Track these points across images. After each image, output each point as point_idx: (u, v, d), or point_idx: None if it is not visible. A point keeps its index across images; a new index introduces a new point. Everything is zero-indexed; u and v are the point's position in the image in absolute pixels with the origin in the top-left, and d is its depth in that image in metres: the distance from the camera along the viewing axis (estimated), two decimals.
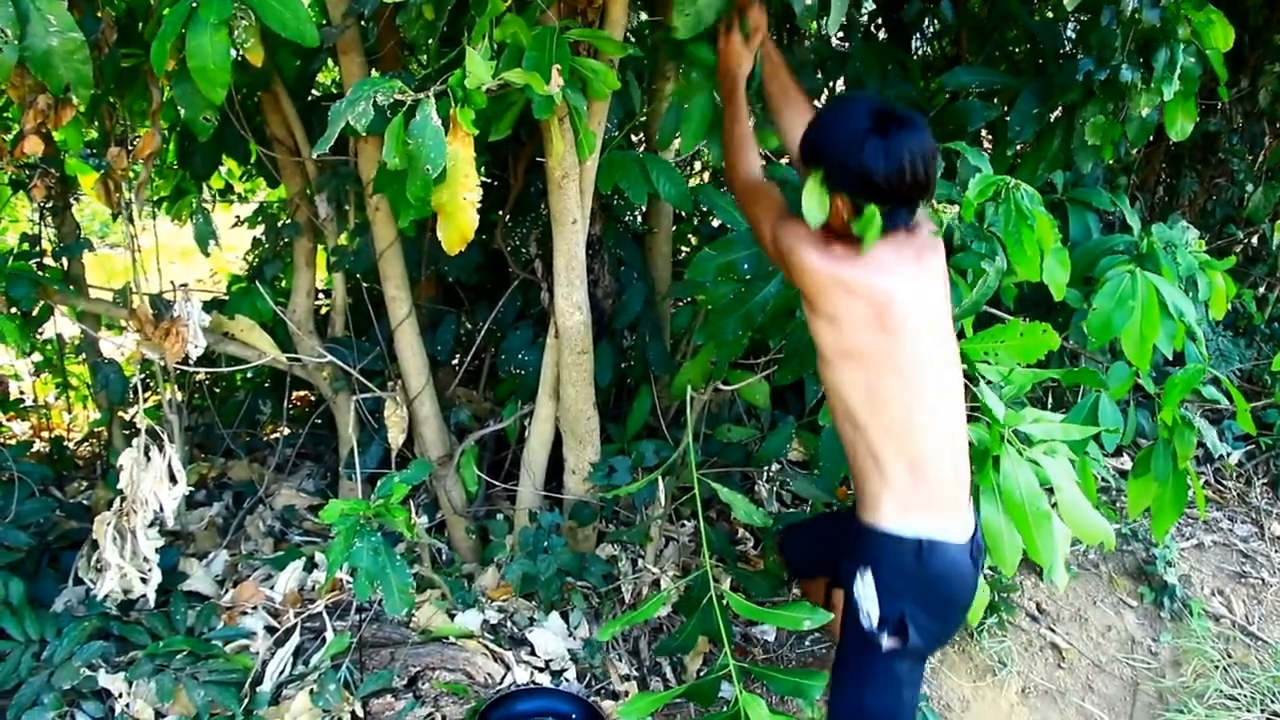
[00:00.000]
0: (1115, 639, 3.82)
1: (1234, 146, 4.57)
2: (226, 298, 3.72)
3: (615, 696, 3.04)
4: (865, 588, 2.09)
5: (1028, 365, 2.45)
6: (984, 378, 2.37)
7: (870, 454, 2.09)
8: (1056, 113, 3.49)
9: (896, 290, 2.07)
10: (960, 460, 2.14)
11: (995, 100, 3.57)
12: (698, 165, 4.55)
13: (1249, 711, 3.48)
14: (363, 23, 3.00)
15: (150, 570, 2.85)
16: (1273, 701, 3.54)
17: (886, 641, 2.09)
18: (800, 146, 2.21)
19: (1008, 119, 3.49)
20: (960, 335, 2.78)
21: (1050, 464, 2.29)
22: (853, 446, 2.14)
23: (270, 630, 3.10)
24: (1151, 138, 4.61)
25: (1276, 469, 4.87)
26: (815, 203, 2.09)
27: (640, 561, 3.44)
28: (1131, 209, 3.56)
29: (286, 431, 4.26)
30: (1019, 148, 3.78)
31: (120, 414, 3.65)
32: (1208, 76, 3.36)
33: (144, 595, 2.87)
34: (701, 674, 3.08)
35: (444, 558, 3.55)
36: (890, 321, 2.06)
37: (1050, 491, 2.34)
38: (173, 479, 2.78)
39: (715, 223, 4.23)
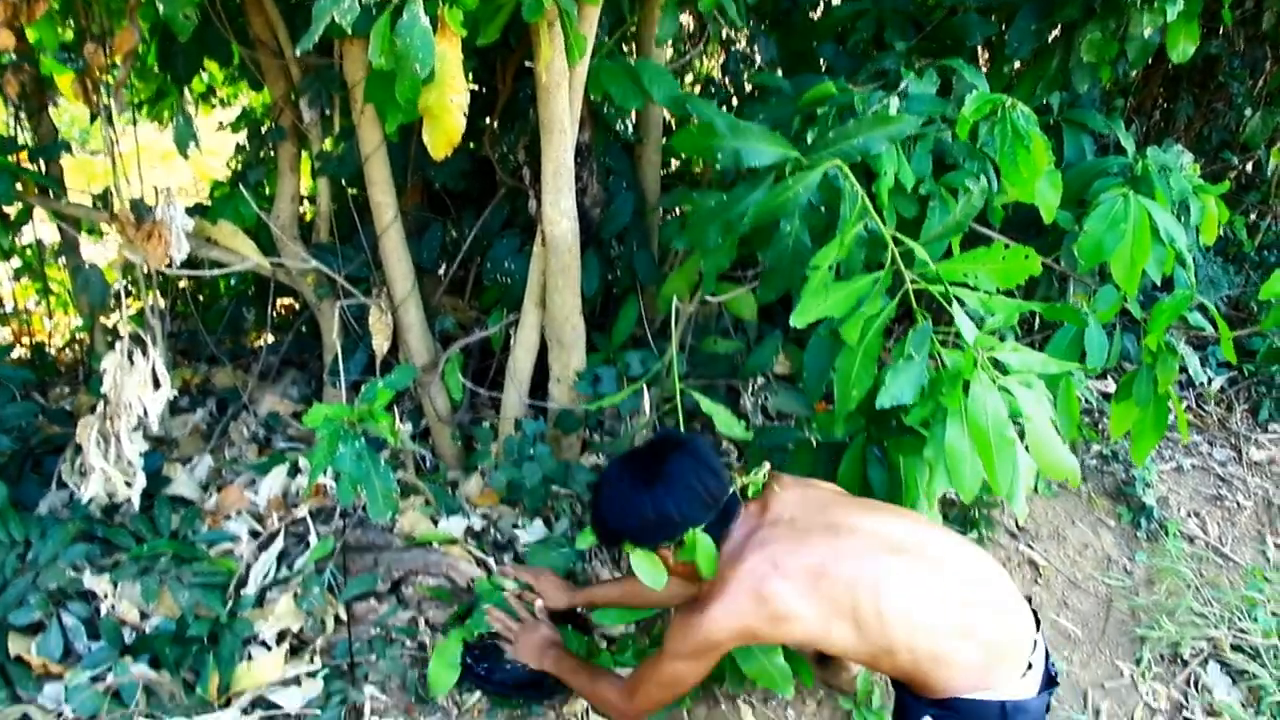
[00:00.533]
0: (1091, 557, 3.88)
1: (1234, 70, 4.51)
2: (209, 203, 3.67)
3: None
4: None
5: (1009, 290, 2.43)
6: (959, 300, 2.35)
7: (918, 661, 2.05)
8: (1056, 32, 3.44)
9: (769, 549, 2.08)
10: (1003, 597, 2.15)
11: (994, 17, 3.51)
12: (689, 77, 4.48)
13: (1217, 629, 3.55)
14: None
15: (134, 474, 2.84)
16: (1240, 619, 3.61)
17: None
18: (598, 539, 2.38)
19: (1005, 36, 3.43)
20: (948, 254, 2.76)
21: (1024, 395, 2.28)
22: (896, 669, 2.10)
23: (254, 535, 3.12)
24: (1150, 60, 4.58)
25: (1257, 395, 4.91)
26: (648, 569, 2.19)
27: None
28: (1127, 132, 3.53)
29: (270, 339, 4.24)
30: (1016, 66, 3.74)
31: (102, 320, 3.63)
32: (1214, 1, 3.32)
33: (128, 499, 2.87)
34: None
35: (428, 465, 3.57)
36: (823, 581, 2.02)
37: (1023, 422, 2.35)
38: (156, 383, 2.77)
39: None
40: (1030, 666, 2.11)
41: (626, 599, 2.78)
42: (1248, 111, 4.63)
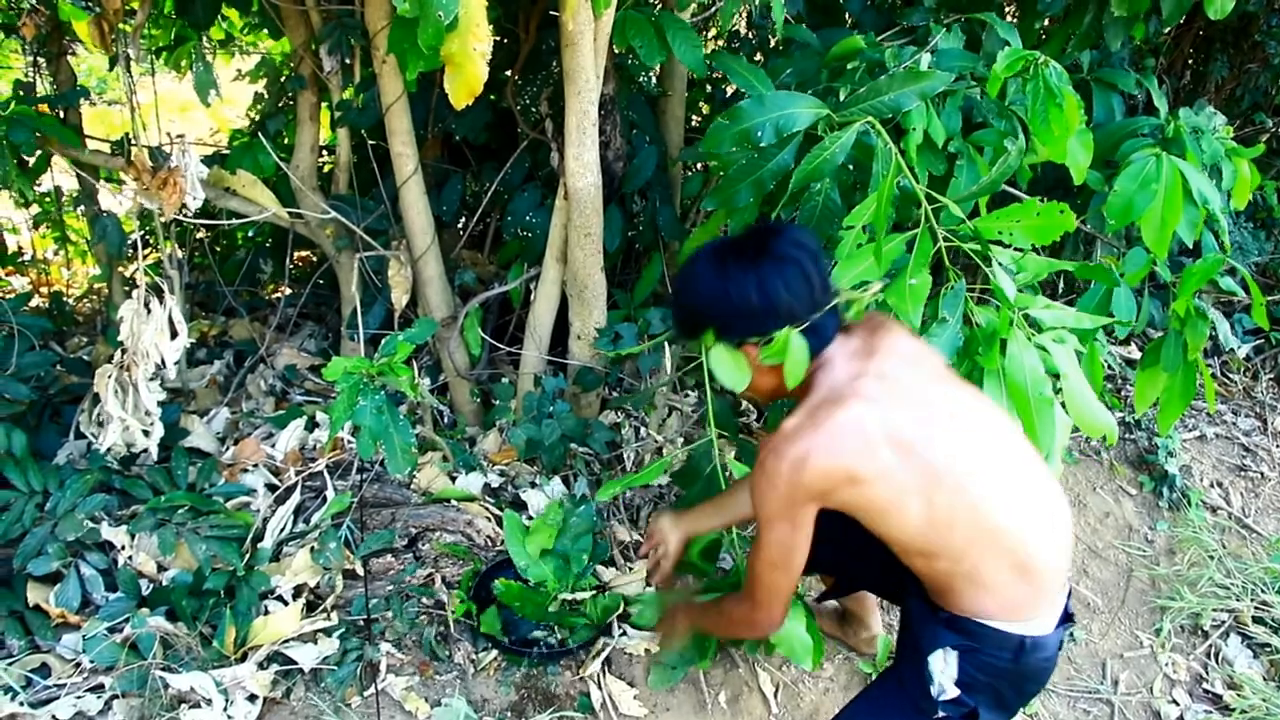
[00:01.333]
0: (1112, 525, 3.84)
1: (1272, 29, 4.41)
2: (228, 153, 3.64)
3: (613, 564, 3.05)
4: (946, 668, 1.91)
5: (1043, 247, 2.39)
6: (997, 259, 2.31)
7: (955, 574, 1.84)
8: None
9: (875, 405, 1.79)
10: (1061, 533, 1.90)
11: None
12: (712, 31, 4.41)
13: (1239, 601, 3.51)
14: None
15: (152, 424, 2.83)
16: (1263, 591, 3.57)
17: (943, 716, 1.95)
18: (677, 327, 2.08)
19: None
20: (974, 213, 2.72)
21: (1058, 351, 2.25)
22: (931, 573, 1.89)
23: (271, 488, 3.11)
24: (1184, 19, 4.49)
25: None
26: (730, 366, 1.92)
27: (643, 430, 3.43)
28: (1159, 91, 3.46)
29: (288, 291, 4.22)
30: (1046, 22, 3.66)
31: (120, 270, 3.60)
32: None
33: (146, 449, 2.86)
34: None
35: (446, 420, 3.55)
36: (913, 458, 1.77)
37: (1056, 379, 2.31)
38: (173, 331, 2.74)
39: (729, 89, 4.12)
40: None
41: (723, 517, 2.50)
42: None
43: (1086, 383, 2.35)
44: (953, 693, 1.90)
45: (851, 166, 2.55)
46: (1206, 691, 3.23)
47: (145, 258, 4.03)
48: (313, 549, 2.81)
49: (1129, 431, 4.27)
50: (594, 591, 2.87)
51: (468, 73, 2.20)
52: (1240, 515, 4.02)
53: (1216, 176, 3.18)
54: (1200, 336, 2.92)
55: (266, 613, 2.68)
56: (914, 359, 1.93)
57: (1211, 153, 3.15)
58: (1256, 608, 3.52)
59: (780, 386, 1.93)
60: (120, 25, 2.83)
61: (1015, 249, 2.39)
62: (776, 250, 1.86)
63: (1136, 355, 4.63)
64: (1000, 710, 1.94)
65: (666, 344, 3.06)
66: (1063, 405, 2.30)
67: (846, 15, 3.56)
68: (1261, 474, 4.26)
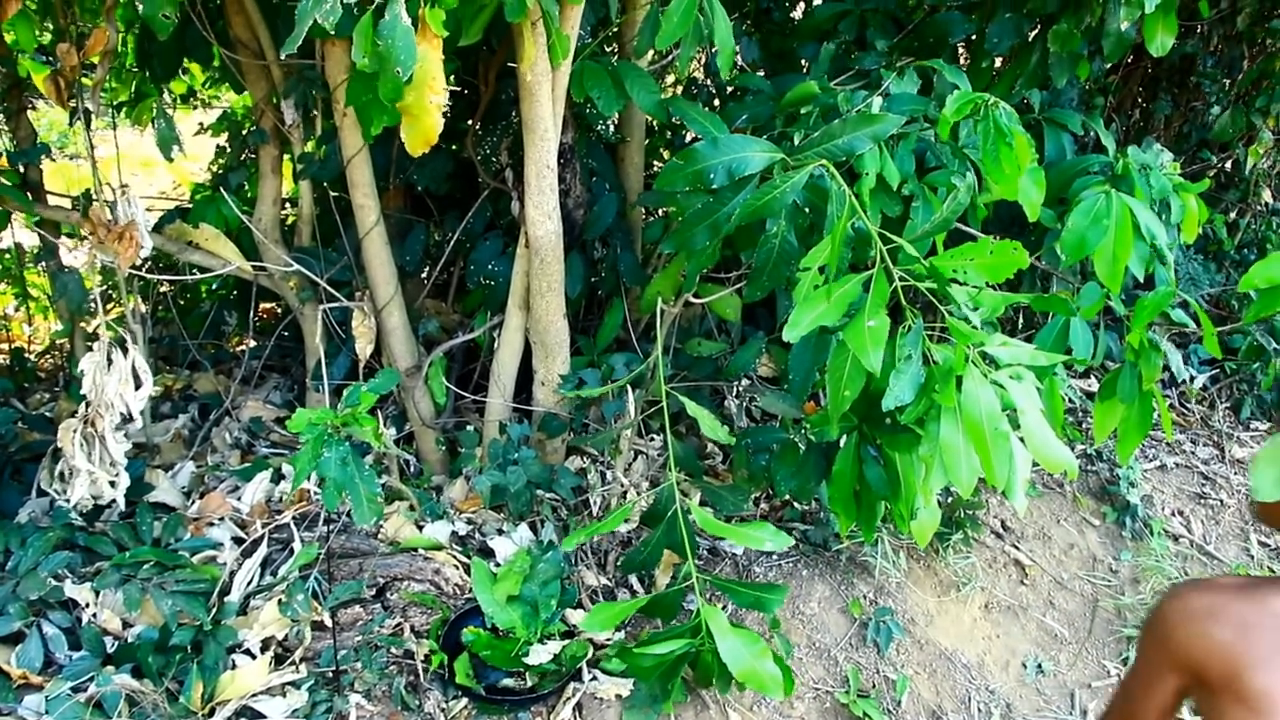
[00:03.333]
0: (1077, 557, 3.88)
1: (1208, 70, 4.54)
2: (190, 206, 3.65)
3: (582, 608, 3.06)
4: None
5: (998, 284, 2.43)
6: (954, 297, 2.35)
7: None
8: (1036, 31, 3.45)
9: None
10: None
11: (974, 16, 3.52)
12: (671, 78, 4.47)
13: None
14: None
15: (119, 474, 2.82)
16: None
17: None
18: None
19: (985, 32, 3.45)
20: (931, 253, 2.76)
21: (1015, 388, 2.28)
22: None
23: (238, 541, 3.09)
24: (1130, 60, 4.61)
25: (1239, 393, 4.93)
26: (1274, 474, 1.49)
27: (609, 474, 3.44)
28: (1107, 130, 3.54)
29: (253, 343, 4.22)
30: (996, 64, 3.75)
31: (82, 326, 3.60)
32: None
33: (112, 502, 2.85)
34: (669, 588, 3.11)
35: (412, 469, 3.54)
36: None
37: (1014, 414, 2.34)
38: (138, 382, 2.74)
39: (689, 135, 4.18)
40: None
41: None
42: (1215, 110, 4.65)
43: (1044, 418, 2.38)
44: None
45: (808, 209, 2.59)
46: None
47: (108, 312, 4.03)
48: (280, 601, 2.80)
49: (1091, 464, 4.32)
50: (563, 637, 2.87)
51: (424, 124, 2.24)
52: (1201, 542, 4.07)
53: (1165, 211, 3.26)
54: (1154, 368, 2.97)
55: (234, 667, 2.66)
56: None
57: (1160, 188, 3.22)
58: None
59: None
60: (79, 80, 2.85)
61: (971, 286, 2.43)
62: None
63: (1096, 388, 4.69)
64: None
65: (629, 388, 3.08)
66: (1022, 441, 2.33)
67: (802, 61, 3.62)
68: (1221, 501, 4.32)
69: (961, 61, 4.07)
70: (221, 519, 3.17)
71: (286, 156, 3.54)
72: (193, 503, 3.26)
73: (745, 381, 3.64)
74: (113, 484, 2.80)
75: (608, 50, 3.53)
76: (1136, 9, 3.06)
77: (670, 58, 3.43)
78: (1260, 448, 1.40)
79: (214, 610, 2.76)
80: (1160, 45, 3.31)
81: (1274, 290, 2.89)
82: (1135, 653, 1.51)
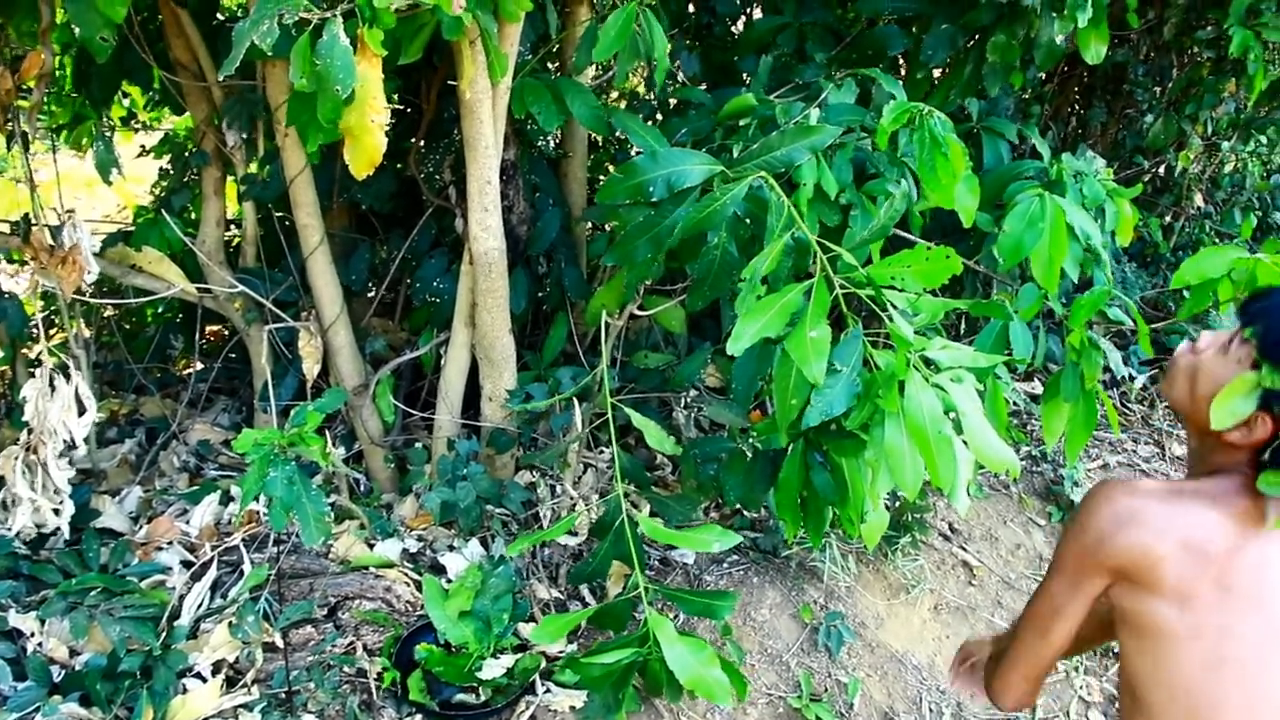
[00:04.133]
0: (1024, 556, 3.94)
1: (1139, 78, 4.64)
2: (133, 229, 3.63)
3: (534, 621, 3.07)
4: None
5: (935, 290, 2.47)
6: (892, 304, 2.39)
7: None
8: (972, 43, 3.52)
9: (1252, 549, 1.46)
10: None
11: (913, 29, 3.59)
12: (615, 93, 4.51)
13: None
14: None
15: (63, 502, 2.79)
16: None
17: None
18: (1261, 317, 1.53)
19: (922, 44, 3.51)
20: (868, 261, 2.81)
21: (956, 390, 2.32)
22: None
23: (187, 565, 3.07)
24: (1066, 68, 4.70)
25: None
26: (1231, 407, 1.53)
27: (559, 488, 3.46)
28: (1042, 138, 3.61)
29: (199, 366, 4.19)
30: (935, 77, 3.81)
31: (24, 352, 3.56)
32: (1118, 6, 3.42)
33: (57, 529, 2.82)
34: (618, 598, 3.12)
35: (362, 488, 3.54)
36: (1236, 595, 1.45)
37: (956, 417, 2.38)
38: (81, 408, 2.72)
39: (632, 150, 4.21)
40: None
41: None
42: (1148, 117, 4.76)
43: (986, 419, 2.42)
44: None
45: (749, 220, 2.62)
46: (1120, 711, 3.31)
47: (50, 338, 3.99)
48: (231, 624, 2.79)
49: (1035, 465, 4.39)
50: (516, 651, 2.88)
51: (366, 144, 2.25)
52: None
53: (1100, 216, 3.33)
54: (1095, 367, 3.03)
55: (185, 691, 2.64)
56: None
57: (1093, 194, 3.29)
58: None
59: (1211, 447, 1.60)
60: (16, 104, 2.83)
61: (909, 293, 2.47)
62: None
63: (1040, 390, 4.77)
64: None
65: (576, 401, 3.10)
66: (964, 442, 2.37)
67: (743, 75, 3.67)
68: None
69: (901, 73, 4.14)
70: (170, 543, 3.15)
71: (230, 178, 3.53)
72: (140, 527, 3.23)
73: (693, 392, 3.67)
74: (57, 512, 2.78)
75: (550, 66, 3.56)
76: (1070, 22, 3.13)
77: (611, 73, 3.47)
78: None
79: (163, 635, 2.74)
80: (1095, 54, 3.39)
81: (1205, 286, 2.97)
82: (1059, 556, 1.58)
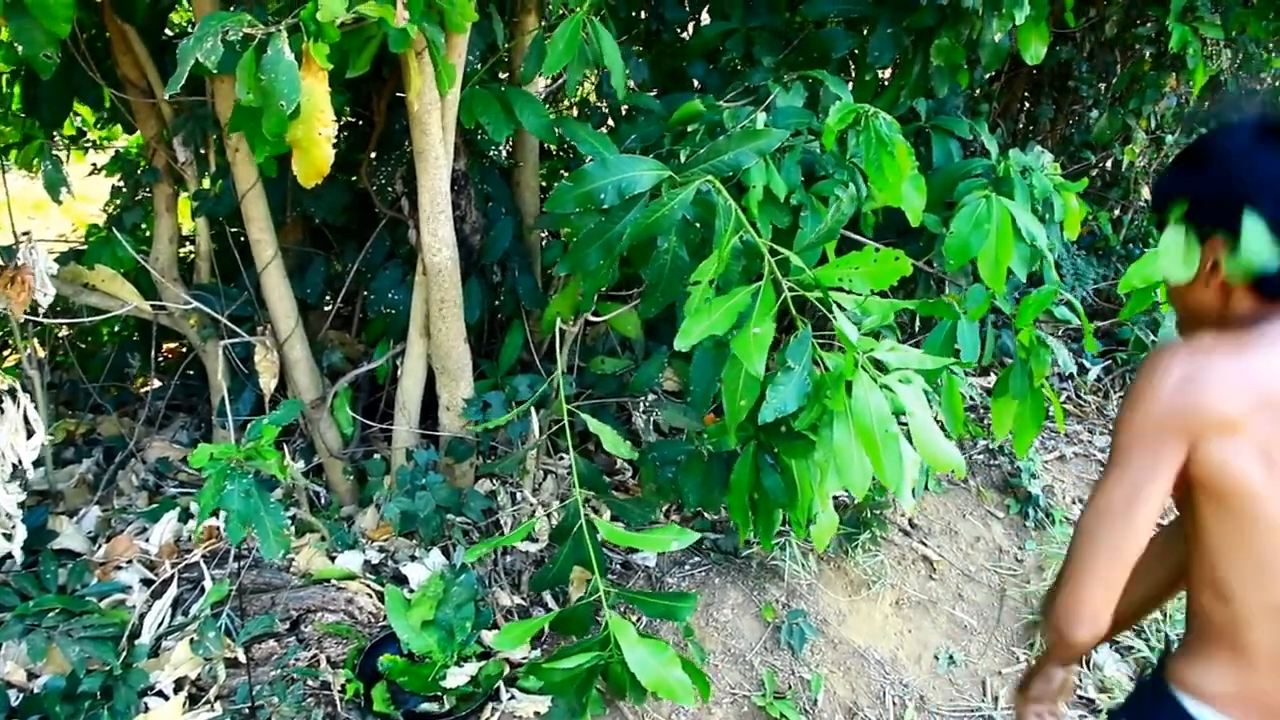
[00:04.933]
0: (984, 549, 3.99)
1: (1083, 74, 4.71)
2: (85, 248, 3.61)
3: (497, 628, 3.08)
4: None
5: (883, 291, 2.50)
6: (838, 304, 2.42)
7: (1224, 636, 1.55)
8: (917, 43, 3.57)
9: None
10: None
11: (860, 31, 3.63)
12: (567, 101, 4.53)
13: None
14: None
15: (14, 527, 2.77)
16: None
17: None
18: (1159, 185, 1.65)
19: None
20: (822, 260, 2.84)
21: (904, 391, 2.35)
22: (1206, 623, 1.57)
23: (147, 583, 3.06)
24: (1013, 66, 4.76)
25: (1130, 382, 5.10)
26: (1178, 257, 1.58)
27: (519, 495, 3.47)
28: (991, 135, 3.67)
29: (157, 384, 4.17)
30: (883, 78, 3.86)
31: None
32: (1059, 6, 3.47)
33: (9, 554, 2.80)
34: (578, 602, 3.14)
35: (323, 501, 3.54)
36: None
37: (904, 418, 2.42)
38: (30, 430, 2.71)
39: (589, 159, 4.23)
40: None
41: None
42: (1095, 113, 4.84)
43: (932, 420, 2.46)
44: None
45: (699, 225, 2.65)
46: (1081, 697, 3.37)
47: (3, 360, 3.97)
48: (192, 640, 2.78)
49: (993, 458, 4.45)
50: (480, 659, 2.89)
51: (314, 156, 2.26)
52: None
53: (1049, 210, 3.38)
54: (1043, 364, 3.09)
55: (146, 710, 2.63)
56: None
57: (1041, 189, 3.34)
58: None
59: (1211, 313, 1.59)
60: None
61: (858, 294, 2.50)
62: None
63: None
64: None
65: (533, 408, 3.12)
66: (911, 443, 2.40)
67: (693, 80, 3.70)
68: None
69: (851, 74, 4.18)
70: (129, 561, 3.14)
71: (182, 194, 3.53)
72: (99, 547, 3.22)
73: (651, 397, 3.69)
74: (8, 536, 2.76)
75: (500, 76, 3.58)
76: (1008, 20, 3.19)
77: (562, 80, 3.49)
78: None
79: (123, 654, 2.73)
80: (1034, 54, 3.45)
81: (1146, 290, 3.03)
82: (1124, 437, 1.51)
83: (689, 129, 2.96)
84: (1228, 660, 1.54)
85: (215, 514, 2.71)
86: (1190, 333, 1.62)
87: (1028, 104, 5.25)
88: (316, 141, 2.25)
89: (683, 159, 2.77)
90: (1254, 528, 1.46)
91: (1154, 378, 1.47)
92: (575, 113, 4.27)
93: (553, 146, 3.90)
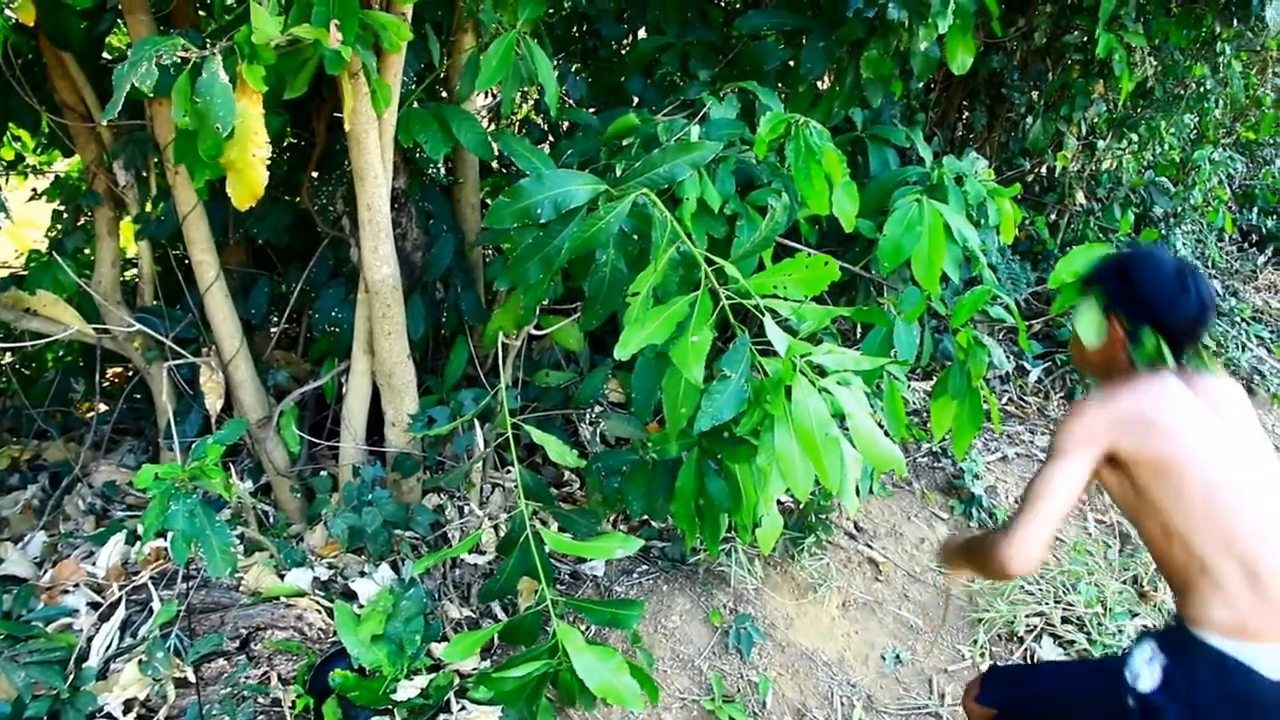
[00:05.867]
0: (928, 550, 4.06)
1: (1015, 82, 4.82)
2: (26, 273, 3.60)
3: (447, 641, 3.10)
4: (1149, 660, 2.10)
5: (821, 297, 2.56)
6: (772, 311, 2.47)
7: (1190, 566, 2.07)
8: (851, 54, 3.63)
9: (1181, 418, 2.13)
10: None
11: (797, 42, 3.69)
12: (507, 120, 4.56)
13: (1044, 605, 3.76)
14: None
15: None
16: (1066, 593, 3.83)
17: (1133, 702, 2.09)
18: (1095, 277, 2.40)
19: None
20: (760, 268, 2.89)
21: (843, 393, 2.40)
22: (1171, 562, 2.12)
23: (94, 606, 3.06)
24: (950, 76, 4.86)
25: (1071, 382, 5.21)
26: (1092, 326, 2.35)
27: (466, 509, 3.50)
28: (925, 144, 3.74)
29: (103, 408, 4.15)
30: (819, 89, 3.92)
31: None
32: (987, 16, 3.56)
33: None
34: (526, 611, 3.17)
35: (271, 520, 3.54)
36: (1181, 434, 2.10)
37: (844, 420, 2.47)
38: None
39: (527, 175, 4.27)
40: None
41: None
42: (1029, 119, 4.94)
43: (871, 420, 2.52)
44: (1150, 679, 2.07)
45: (636, 237, 2.69)
46: None
47: None
48: (140, 661, 2.78)
49: (937, 460, 4.52)
50: (430, 671, 2.91)
51: (249, 177, 2.28)
52: None
53: (984, 216, 3.46)
54: (980, 364, 3.16)
55: None
56: (1219, 405, 2.23)
57: (975, 194, 3.41)
58: (1064, 609, 3.77)
59: (1106, 368, 2.33)
60: None
61: (794, 301, 2.56)
62: (1204, 285, 2.23)
63: None
64: None
65: (476, 422, 3.14)
66: (852, 444, 2.45)
67: (634, 96, 3.74)
68: None
69: (789, 86, 4.25)
70: (77, 585, 3.13)
71: (124, 218, 3.53)
72: (45, 572, 3.21)
73: (597, 408, 3.73)
74: None
75: (440, 93, 3.61)
76: (934, 30, 3.26)
77: (498, 99, 3.52)
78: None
79: (71, 677, 2.73)
80: (961, 64, 3.52)
81: (1074, 283, 3.11)
82: (1063, 439, 2.16)
83: (625, 143, 3.01)
84: (1212, 592, 2.03)
85: (162, 535, 2.72)
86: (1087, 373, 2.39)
87: (965, 112, 5.35)
88: (251, 163, 2.27)
89: (619, 172, 2.81)
90: (1184, 479, 2.06)
91: (1084, 404, 2.19)
92: (517, 130, 4.31)
93: (494, 163, 3.93)
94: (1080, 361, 2.43)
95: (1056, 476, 2.14)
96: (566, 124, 3.94)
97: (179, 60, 2.16)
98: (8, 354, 4.08)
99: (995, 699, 2.54)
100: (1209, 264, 6.85)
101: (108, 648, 2.90)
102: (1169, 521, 2.08)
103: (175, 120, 2.16)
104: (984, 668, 3.47)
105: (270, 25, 2.19)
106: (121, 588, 3.09)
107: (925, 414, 4.76)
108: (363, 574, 3.26)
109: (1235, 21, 4.31)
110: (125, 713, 2.72)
